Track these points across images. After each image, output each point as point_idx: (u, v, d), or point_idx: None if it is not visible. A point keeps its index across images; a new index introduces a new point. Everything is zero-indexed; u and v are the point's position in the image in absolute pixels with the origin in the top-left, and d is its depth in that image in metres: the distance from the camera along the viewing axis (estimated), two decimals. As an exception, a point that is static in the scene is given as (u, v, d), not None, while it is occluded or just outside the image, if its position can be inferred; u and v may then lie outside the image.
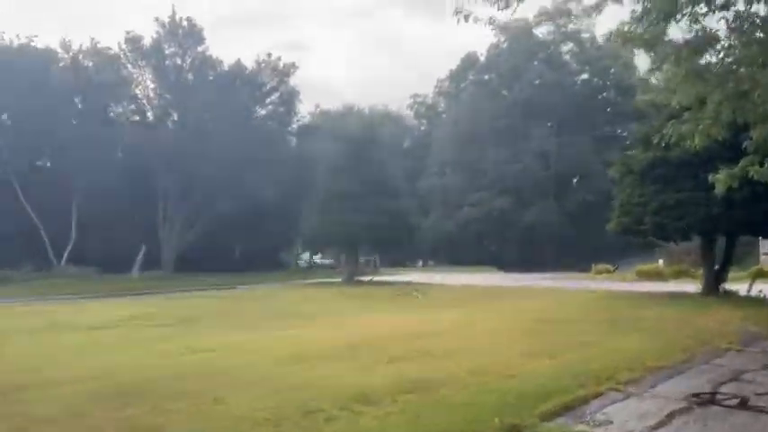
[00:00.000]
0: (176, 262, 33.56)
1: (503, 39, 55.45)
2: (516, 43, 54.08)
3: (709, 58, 11.09)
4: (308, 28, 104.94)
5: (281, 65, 34.69)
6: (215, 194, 33.19)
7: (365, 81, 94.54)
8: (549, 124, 53.52)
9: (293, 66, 34.74)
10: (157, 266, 33.26)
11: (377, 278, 26.56)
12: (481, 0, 9.04)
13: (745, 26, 9.50)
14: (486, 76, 59.64)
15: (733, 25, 9.46)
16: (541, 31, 54.40)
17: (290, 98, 35.64)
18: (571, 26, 52.94)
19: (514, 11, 9.11)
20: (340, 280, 24.77)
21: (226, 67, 34.06)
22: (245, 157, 33.05)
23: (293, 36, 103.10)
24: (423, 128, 71.54)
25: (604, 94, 54.36)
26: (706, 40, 9.98)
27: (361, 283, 23.73)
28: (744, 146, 11.27)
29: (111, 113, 35.01)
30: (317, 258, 44.17)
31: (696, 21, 9.23)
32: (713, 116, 10.97)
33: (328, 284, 24.01)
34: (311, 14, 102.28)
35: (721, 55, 10.88)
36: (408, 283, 21.62)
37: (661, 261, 25.63)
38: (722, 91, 10.93)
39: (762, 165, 11.23)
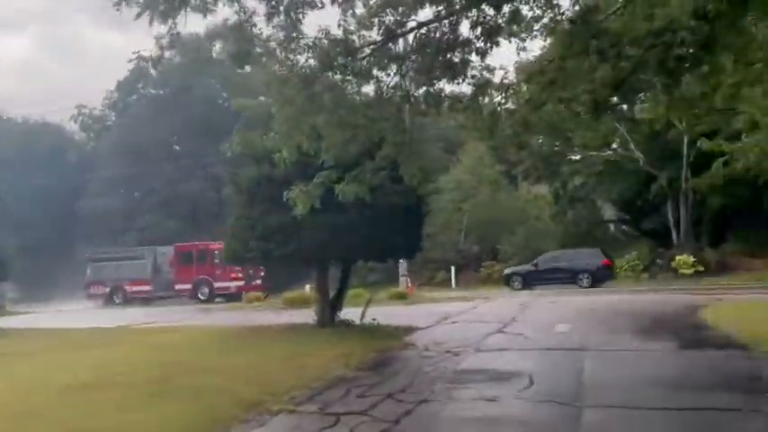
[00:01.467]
0: None
1: (173, 52, 51.84)
2: (188, 58, 50.82)
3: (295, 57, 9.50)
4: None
5: None
6: None
7: (44, 89, 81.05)
8: (224, 146, 51.43)
9: None
10: None
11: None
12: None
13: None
14: (162, 91, 55.55)
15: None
16: (215, 50, 51.96)
17: None
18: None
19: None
20: None
21: None
22: None
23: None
24: (91, 142, 63.90)
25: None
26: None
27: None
28: (321, 161, 9.88)
29: None
30: None
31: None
32: (286, 122, 9.32)
33: None
34: None
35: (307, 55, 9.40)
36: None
37: (308, 287, 24.78)
38: (301, 95, 9.36)
39: (342, 181, 9.96)
